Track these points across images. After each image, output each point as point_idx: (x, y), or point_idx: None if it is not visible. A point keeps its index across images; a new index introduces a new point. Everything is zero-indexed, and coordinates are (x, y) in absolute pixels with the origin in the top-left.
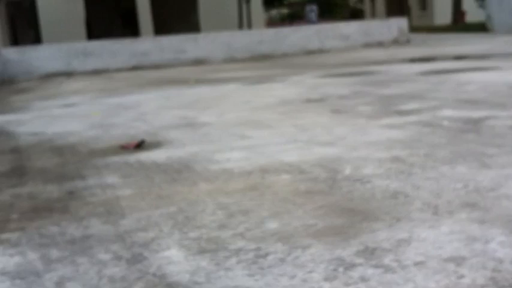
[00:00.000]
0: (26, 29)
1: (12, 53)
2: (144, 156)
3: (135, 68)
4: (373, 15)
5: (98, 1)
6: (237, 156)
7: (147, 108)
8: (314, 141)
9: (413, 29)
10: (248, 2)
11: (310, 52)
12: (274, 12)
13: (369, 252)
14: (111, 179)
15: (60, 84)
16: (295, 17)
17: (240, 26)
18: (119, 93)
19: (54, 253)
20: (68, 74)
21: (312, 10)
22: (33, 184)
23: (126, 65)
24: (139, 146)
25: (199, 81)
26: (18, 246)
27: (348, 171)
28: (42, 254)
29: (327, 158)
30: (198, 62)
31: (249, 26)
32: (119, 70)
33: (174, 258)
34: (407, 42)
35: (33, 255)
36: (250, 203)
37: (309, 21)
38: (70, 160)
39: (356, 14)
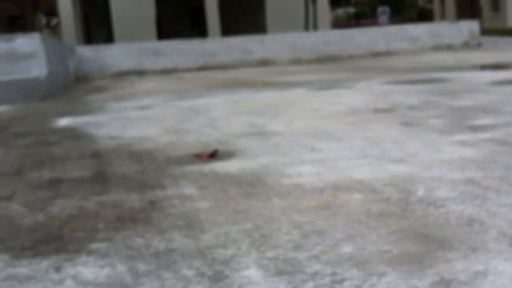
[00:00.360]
0: (99, 27)
1: (87, 51)
2: (218, 166)
3: (202, 67)
4: (443, 15)
5: (170, 1)
6: (308, 171)
7: (217, 113)
8: (385, 157)
9: (484, 31)
10: (314, 1)
11: (377, 54)
12: (340, 11)
13: (445, 284)
14: (189, 189)
15: (132, 83)
16: (361, 16)
17: (306, 26)
18: (189, 96)
19: (141, 266)
20: (139, 73)
21: (384, 12)
22: (116, 192)
23: (194, 65)
24: (213, 155)
25: (266, 85)
26: (107, 257)
27: (420, 192)
28: (129, 266)
29: (399, 176)
30: (264, 62)
31: (315, 26)
32: (187, 70)
33: (253, 278)
34: (479, 45)
35: (121, 268)
36: (323, 223)
37: (381, 24)
38: (149, 167)
39: (425, 14)
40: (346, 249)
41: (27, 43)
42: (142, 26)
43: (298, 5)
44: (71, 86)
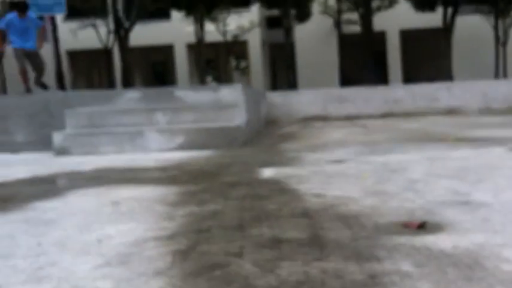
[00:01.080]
0: (283, 71)
1: (276, 97)
2: (429, 240)
3: (386, 114)
4: None
5: (352, 45)
6: None
7: (414, 174)
8: None
9: None
10: (505, 44)
11: None
12: None
13: None
14: (405, 265)
15: (320, 130)
16: None
17: (497, 70)
18: (380, 149)
19: None
20: (323, 119)
21: None
22: (335, 260)
23: (378, 112)
24: (422, 226)
25: (458, 139)
26: None
27: None
28: None
29: None
30: (451, 111)
31: (505, 71)
32: (370, 116)
33: None
34: None
35: None
36: None
37: None
38: (359, 234)
39: None
40: None
41: (231, 93)
42: (326, 71)
43: (487, 48)
44: (263, 132)
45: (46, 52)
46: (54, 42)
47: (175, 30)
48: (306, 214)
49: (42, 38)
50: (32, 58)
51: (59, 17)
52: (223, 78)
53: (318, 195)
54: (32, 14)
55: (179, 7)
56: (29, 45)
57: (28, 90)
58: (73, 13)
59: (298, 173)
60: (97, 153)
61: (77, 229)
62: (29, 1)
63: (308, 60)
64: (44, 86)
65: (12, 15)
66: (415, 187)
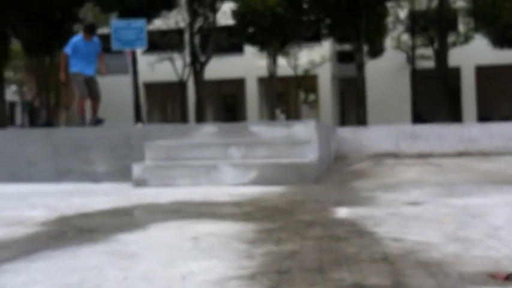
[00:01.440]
0: (353, 106)
1: (346, 132)
2: None
3: (461, 154)
4: None
5: (425, 80)
6: None
7: (496, 220)
8: None
9: None
10: None
11: None
12: None
13: None
14: None
15: (392, 168)
16: None
17: None
18: (458, 192)
19: None
20: (395, 155)
21: None
22: None
23: (452, 150)
24: (509, 277)
25: None
26: None
27: None
28: None
29: None
30: None
31: None
32: (444, 155)
33: None
34: None
35: None
36: None
37: None
38: (443, 284)
39: None
40: None
41: (304, 129)
42: (397, 106)
43: None
44: (332, 168)
45: (125, 84)
46: (134, 75)
47: (248, 64)
48: (386, 259)
49: (103, 63)
50: (91, 85)
51: (138, 50)
52: (292, 111)
53: (397, 240)
54: (96, 38)
55: (253, 42)
56: (90, 71)
57: (83, 121)
58: (152, 47)
59: (374, 214)
60: (174, 186)
61: (160, 264)
62: (113, 36)
63: (379, 95)
64: (99, 121)
65: (77, 38)
66: (498, 234)
